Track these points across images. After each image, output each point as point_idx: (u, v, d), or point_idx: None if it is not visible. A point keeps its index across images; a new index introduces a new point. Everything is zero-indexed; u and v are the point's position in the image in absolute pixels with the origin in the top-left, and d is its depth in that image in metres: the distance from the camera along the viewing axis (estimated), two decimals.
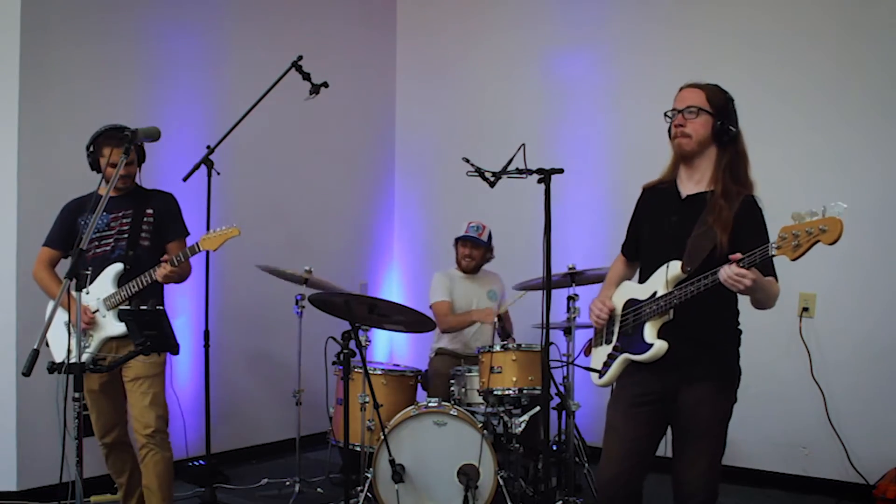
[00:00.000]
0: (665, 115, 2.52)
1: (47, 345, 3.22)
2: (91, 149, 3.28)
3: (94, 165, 3.29)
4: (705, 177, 2.45)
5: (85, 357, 3.17)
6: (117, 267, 3.26)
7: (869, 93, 4.24)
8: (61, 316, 3.24)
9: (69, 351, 2.89)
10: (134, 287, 3.20)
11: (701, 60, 4.61)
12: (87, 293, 3.23)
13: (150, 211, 3.38)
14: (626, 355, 2.47)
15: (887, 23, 4.20)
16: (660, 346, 2.36)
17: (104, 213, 3.31)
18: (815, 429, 4.30)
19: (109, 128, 3.26)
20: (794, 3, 4.45)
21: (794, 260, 2.05)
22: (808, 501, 4.23)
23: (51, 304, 3.18)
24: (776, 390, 4.26)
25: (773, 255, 2.11)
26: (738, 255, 2.18)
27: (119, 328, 3.16)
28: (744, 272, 2.15)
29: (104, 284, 3.25)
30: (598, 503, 2.56)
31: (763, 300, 2.33)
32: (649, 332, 2.40)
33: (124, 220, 3.33)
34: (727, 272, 2.17)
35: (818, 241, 2.00)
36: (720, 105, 2.42)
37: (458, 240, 4.48)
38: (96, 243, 3.30)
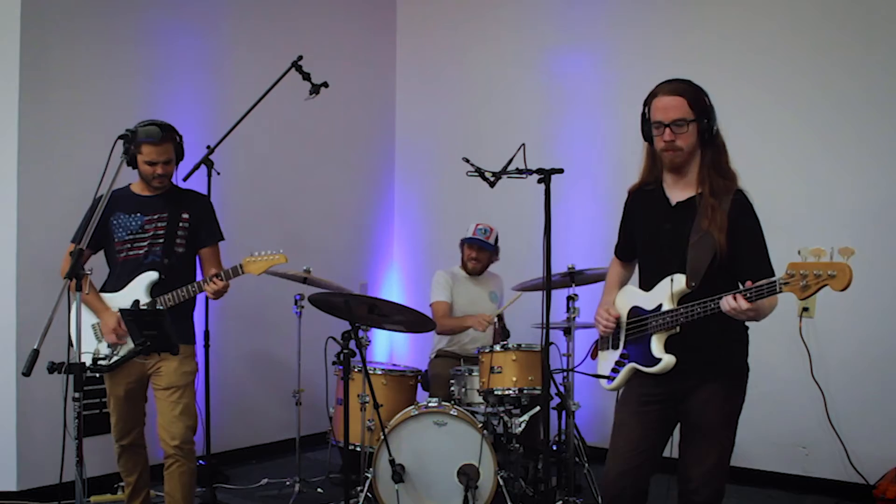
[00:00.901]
0: (643, 120, 2.46)
1: (71, 346, 3.12)
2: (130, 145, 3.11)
3: (132, 161, 3.15)
4: (692, 179, 2.44)
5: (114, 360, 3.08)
6: (152, 276, 3.15)
7: (868, 94, 4.24)
8: (88, 318, 3.15)
9: (89, 355, 2.87)
10: (171, 300, 3.11)
11: (700, 61, 4.61)
12: (92, 293, 3.15)
13: (186, 216, 3.26)
14: (633, 365, 2.48)
15: (886, 24, 4.20)
16: (668, 360, 2.37)
17: (138, 215, 3.21)
18: (815, 429, 4.30)
19: (149, 123, 3.11)
20: (794, 5, 4.45)
21: (802, 299, 2.08)
22: (808, 501, 4.23)
23: (73, 305, 3.13)
24: (776, 390, 4.26)
25: (780, 292, 2.11)
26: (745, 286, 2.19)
27: None
28: (748, 307, 2.17)
29: (136, 292, 3.14)
30: (603, 500, 2.55)
31: (759, 319, 2.34)
32: (656, 345, 2.40)
33: (160, 224, 3.21)
34: (730, 306, 2.19)
35: (826, 286, 2.02)
36: (701, 106, 2.37)
37: (465, 241, 4.46)
38: (129, 245, 3.18)
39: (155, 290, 3.15)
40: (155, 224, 3.21)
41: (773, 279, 2.12)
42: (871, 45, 4.24)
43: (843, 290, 2.01)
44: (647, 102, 2.45)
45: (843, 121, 4.31)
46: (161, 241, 3.19)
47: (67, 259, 3.21)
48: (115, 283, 3.21)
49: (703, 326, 2.33)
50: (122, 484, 4.05)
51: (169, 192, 3.29)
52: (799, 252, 2.05)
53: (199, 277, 3.32)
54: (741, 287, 2.22)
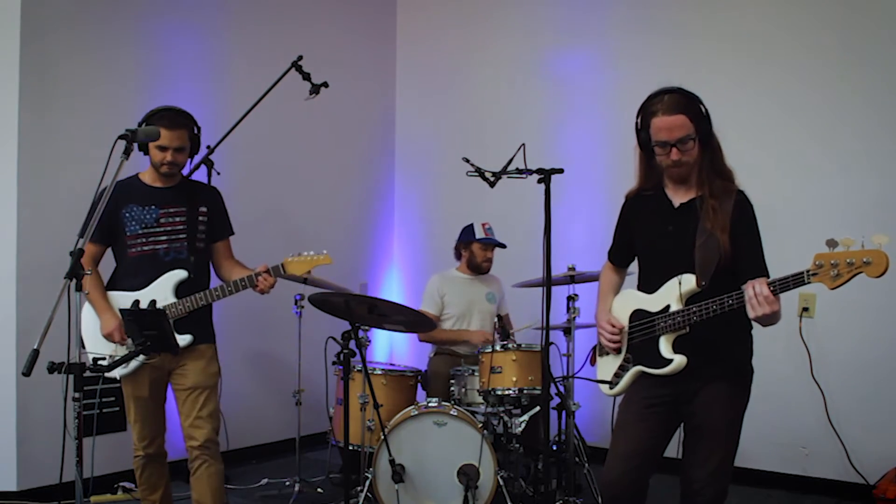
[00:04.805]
0: (638, 130, 2.45)
1: (83, 346, 3.01)
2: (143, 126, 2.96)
3: (143, 146, 3.02)
4: (693, 181, 2.45)
5: (133, 365, 2.98)
6: (180, 274, 3.03)
7: (866, 95, 4.24)
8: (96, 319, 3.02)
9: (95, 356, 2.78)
10: (201, 300, 3.00)
11: (700, 61, 4.61)
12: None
13: (203, 209, 3.14)
14: (640, 367, 2.46)
15: (882, 32, 4.20)
16: (679, 360, 2.36)
17: (153, 207, 3.05)
18: (815, 429, 4.30)
19: (165, 108, 3.03)
20: (793, 7, 4.45)
21: (833, 289, 2.07)
22: (808, 501, 4.23)
23: (86, 306, 3.00)
24: (776, 390, 4.26)
25: (809, 283, 2.10)
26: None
27: (184, 339, 2.99)
28: (773, 299, 2.14)
29: (163, 291, 3.02)
30: (602, 500, 2.55)
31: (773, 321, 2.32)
32: (665, 346, 2.39)
33: (177, 219, 3.08)
34: (754, 291, 2.16)
35: (861, 273, 2.01)
36: (700, 117, 2.38)
37: (475, 241, 4.40)
38: (142, 240, 3.03)
39: (181, 288, 3.03)
40: (171, 218, 3.07)
41: (801, 271, 2.10)
42: (871, 51, 4.24)
43: (879, 276, 2.00)
44: (644, 119, 2.42)
45: (839, 121, 4.31)
46: (182, 236, 3.07)
47: (84, 260, 2.98)
48: (132, 280, 3.05)
49: (708, 326, 2.33)
50: (122, 484, 4.08)
51: (182, 185, 3.16)
52: (827, 243, 2.03)
53: (211, 272, 3.24)
54: (742, 287, 2.22)
